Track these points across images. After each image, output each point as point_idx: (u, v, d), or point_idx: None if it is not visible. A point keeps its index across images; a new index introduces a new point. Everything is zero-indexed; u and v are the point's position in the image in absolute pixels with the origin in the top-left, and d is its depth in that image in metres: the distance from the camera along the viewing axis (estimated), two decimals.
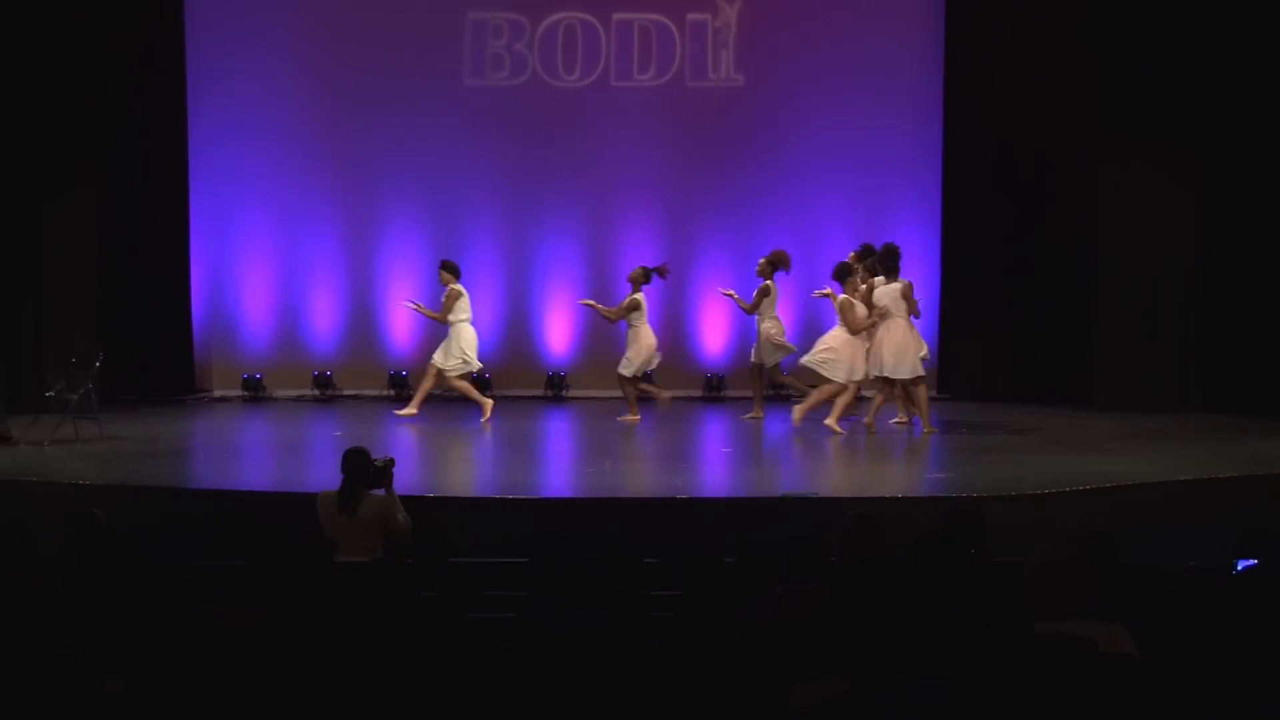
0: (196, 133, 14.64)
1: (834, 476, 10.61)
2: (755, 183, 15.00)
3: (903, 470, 10.90)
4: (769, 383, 13.01)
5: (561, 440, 12.66)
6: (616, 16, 14.98)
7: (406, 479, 9.80)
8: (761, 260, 12.76)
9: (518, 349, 14.90)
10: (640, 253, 14.18)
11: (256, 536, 5.96)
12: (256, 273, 14.90)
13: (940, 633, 3.90)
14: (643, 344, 12.67)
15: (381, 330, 14.85)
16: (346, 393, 14.66)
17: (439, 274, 12.83)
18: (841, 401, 11.77)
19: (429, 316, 12.91)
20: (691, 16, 14.97)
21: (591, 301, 13.41)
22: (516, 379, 14.72)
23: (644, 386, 12.86)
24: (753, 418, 12.68)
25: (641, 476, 10.54)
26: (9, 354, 12.41)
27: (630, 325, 12.74)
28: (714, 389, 14.66)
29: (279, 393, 14.68)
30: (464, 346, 12.56)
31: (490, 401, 12.65)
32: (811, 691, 3.57)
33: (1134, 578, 5.66)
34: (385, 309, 14.83)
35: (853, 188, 14.94)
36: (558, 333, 14.96)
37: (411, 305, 13.09)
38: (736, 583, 5.35)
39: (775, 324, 12.61)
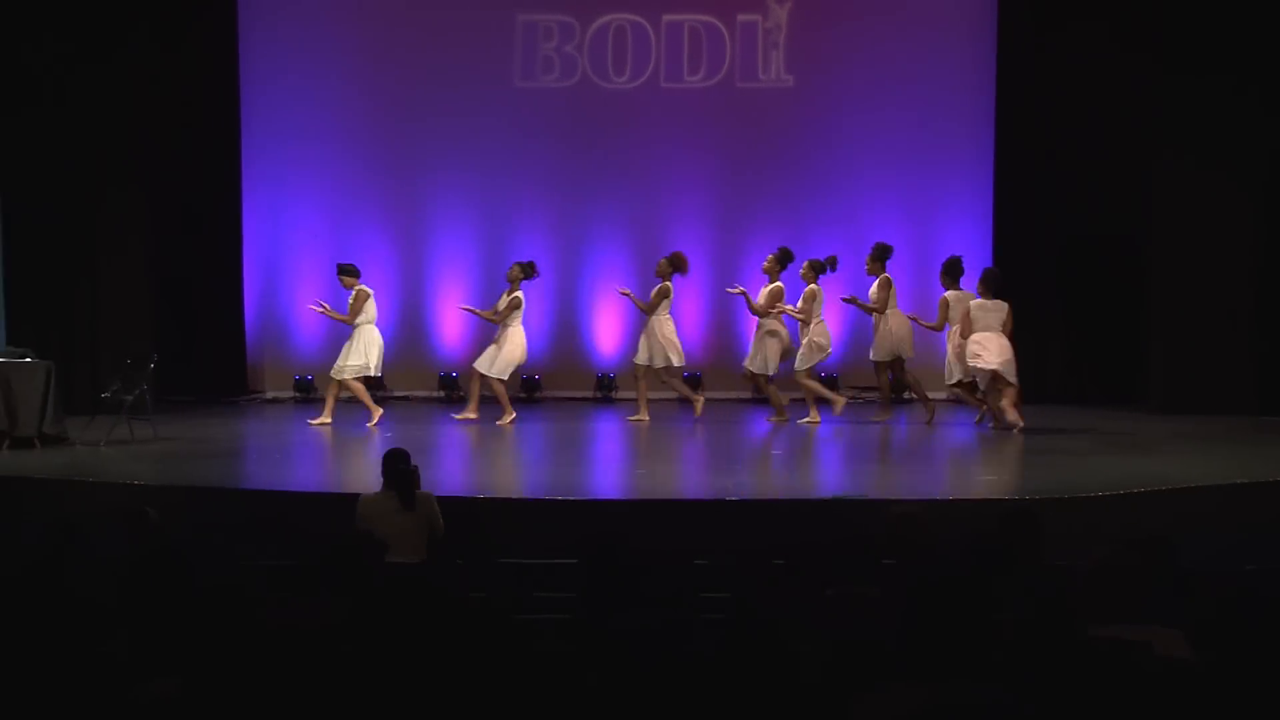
0: (249, 135, 14.78)
1: (885, 478, 10.55)
2: (805, 184, 14.97)
3: (954, 472, 10.82)
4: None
5: (610, 442, 12.65)
6: (666, 18, 14.98)
7: (454, 480, 9.85)
8: (662, 261, 12.80)
9: (567, 350, 14.93)
10: (691, 253, 14.13)
11: (314, 537, 6.01)
12: (308, 274, 15.01)
13: (993, 636, 3.86)
14: (515, 344, 12.56)
15: (431, 332, 14.92)
16: (397, 394, 14.72)
17: (339, 279, 12.58)
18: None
19: (335, 318, 12.62)
20: (742, 17, 14.95)
21: (470, 306, 13.21)
22: (565, 381, 14.76)
23: (499, 390, 12.63)
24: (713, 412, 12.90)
25: (690, 478, 10.52)
26: (65, 355, 12.54)
27: (506, 325, 12.60)
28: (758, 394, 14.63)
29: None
30: (367, 348, 12.39)
31: (380, 410, 12.45)
32: (878, 703, 3.53)
33: (1190, 582, 5.59)
34: (436, 311, 14.90)
35: (904, 188, 14.88)
36: (606, 334, 14.97)
37: (319, 309, 12.74)
38: (787, 585, 5.33)
39: (669, 323, 12.71)
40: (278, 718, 3.92)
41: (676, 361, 12.69)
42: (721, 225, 14.93)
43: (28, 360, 11.15)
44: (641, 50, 14.98)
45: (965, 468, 10.93)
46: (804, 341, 12.60)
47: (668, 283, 12.67)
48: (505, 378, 12.55)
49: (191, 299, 14.43)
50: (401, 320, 14.78)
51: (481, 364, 12.54)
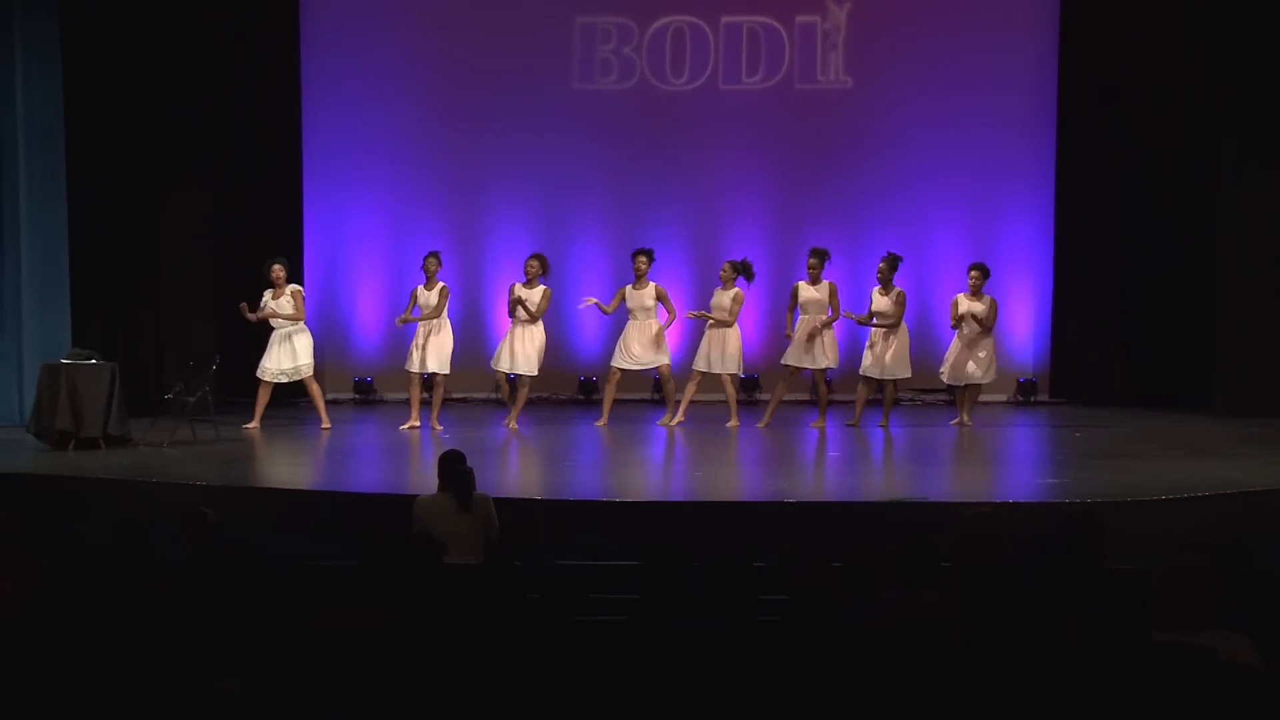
0: (310, 138, 14.90)
1: (945, 481, 10.48)
2: (864, 185, 14.90)
3: (1015, 474, 10.73)
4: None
5: (666, 443, 12.62)
6: (725, 19, 14.96)
7: (509, 481, 9.87)
8: (534, 261, 12.52)
9: None
10: (750, 255, 14.12)
11: (374, 538, 6.04)
12: (368, 276, 15.12)
13: (1056, 640, 3.83)
14: (450, 335, 12.50)
15: (489, 333, 14.95)
16: (455, 395, 14.76)
17: (277, 269, 12.34)
18: None
19: (283, 318, 12.33)
20: (800, 19, 14.91)
21: (405, 317, 12.71)
22: (626, 383, 14.68)
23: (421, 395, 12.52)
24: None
25: (748, 480, 10.50)
26: (130, 357, 12.68)
27: (442, 318, 12.46)
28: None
29: (389, 395, 14.84)
30: (310, 348, 12.42)
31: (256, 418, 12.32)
32: None
33: (1259, 586, 5.51)
34: (493, 312, 14.94)
35: (964, 190, 14.78)
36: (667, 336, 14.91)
37: (255, 311, 12.42)
38: (846, 588, 5.30)
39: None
40: (338, 716, 3.94)
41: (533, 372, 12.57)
42: (780, 227, 14.88)
43: (93, 362, 11.29)
44: (700, 52, 14.97)
45: (1026, 470, 10.84)
46: (730, 346, 12.53)
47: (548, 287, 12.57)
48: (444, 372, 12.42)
49: (253, 299, 14.53)
50: (460, 322, 14.80)
51: (433, 365, 12.39)
